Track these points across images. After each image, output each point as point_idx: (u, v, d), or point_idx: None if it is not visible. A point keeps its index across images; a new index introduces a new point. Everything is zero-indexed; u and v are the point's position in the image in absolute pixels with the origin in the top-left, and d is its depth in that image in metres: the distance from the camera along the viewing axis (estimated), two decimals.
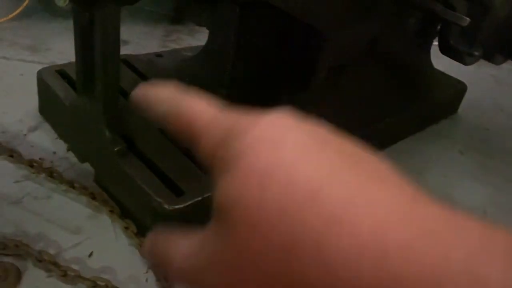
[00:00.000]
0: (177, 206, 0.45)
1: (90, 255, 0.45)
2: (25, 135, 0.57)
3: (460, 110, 0.81)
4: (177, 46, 0.83)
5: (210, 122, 0.20)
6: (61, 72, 0.59)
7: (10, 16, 0.76)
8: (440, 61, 0.72)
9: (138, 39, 0.82)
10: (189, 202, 0.45)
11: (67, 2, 0.79)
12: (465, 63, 0.65)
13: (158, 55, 0.69)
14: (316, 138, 0.18)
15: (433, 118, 0.77)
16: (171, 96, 0.23)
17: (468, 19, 0.42)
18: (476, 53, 0.56)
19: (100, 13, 0.41)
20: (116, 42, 0.44)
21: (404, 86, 0.73)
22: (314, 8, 0.44)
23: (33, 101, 0.61)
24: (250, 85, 0.61)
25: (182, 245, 0.21)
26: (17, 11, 0.76)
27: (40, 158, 0.54)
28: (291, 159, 0.17)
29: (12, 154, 0.53)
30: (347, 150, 0.18)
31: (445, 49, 0.63)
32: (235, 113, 0.20)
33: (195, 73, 0.64)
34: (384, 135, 0.69)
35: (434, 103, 0.76)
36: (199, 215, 0.49)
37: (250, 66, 0.61)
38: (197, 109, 0.21)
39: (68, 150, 0.56)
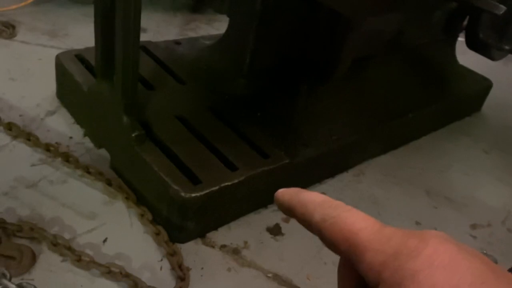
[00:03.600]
0: (194, 195, 0.44)
1: (105, 241, 0.44)
2: (42, 119, 0.57)
3: (484, 107, 0.79)
4: (195, 35, 0.82)
5: (375, 238, 0.21)
6: (79, 57, 0.58)
7: (30, 0, 0.75)
8: (466, 57, 0.70)
9: (157, 27, 0.81)
10: (206, 191, 0.45)
11: None
12: (492, 58, 0.63)
13: (177, 42, 0.68)
14: (488, 265, 0.20)
15: (457, 115, 0.75)
16: (326, 203, 0.24)
17: (504, 7, 0.40)
18: (506, 47, 0.54)
19: None
20: (136, 28, 0.43)
21: (428, 81, 0.71)
22: None
23: (51, 85, 0.61)
24: (269, 75, 0.60)
25: None
26: None
27: (56, 143, 0.53)
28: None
29: (30, 138, 0.53)
30: None
31: (473, 43, 0.61)
32: (398, 230, 0.21)
33: (213, 61, 0.63)
34: (406, 130, 0.67)
35: (458, 99, 0.74)
36: (215, 204, 0.48)
37: (270, 55, 0.59)
38: (357, 221, 0.22)
39: (84, 135, 0.56)
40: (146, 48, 0.63)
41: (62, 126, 0.56)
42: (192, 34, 0.82)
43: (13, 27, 0.72)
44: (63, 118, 0.58)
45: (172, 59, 0.62)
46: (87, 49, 0.60)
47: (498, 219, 0.58)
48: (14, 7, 0.75)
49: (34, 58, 0.67)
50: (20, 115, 0.57)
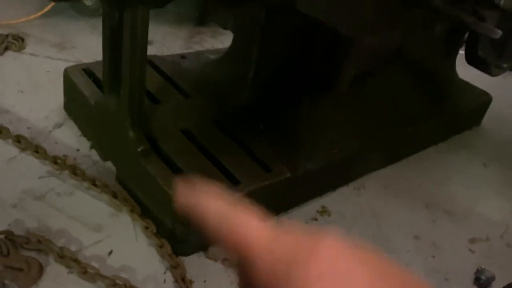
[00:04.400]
0: None
1: (110, 253, 0.45)
2: (50, 131, 0.58)
3: (484, 121, 0.80)
4: (200, 48, 0.83)
5: (268, 243, 0.21)
6: (87, 71, 0.60)
7: (39, 13, 0.77)
8: (466, 70, 0.71)
9: (162, 40, 0.83)
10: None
11: (94, 0, 0.80)
12: (491, 75, 0.64)
13: (182, 56, 0.69)
14: (379, 272, 0.20)
15: (457, 129, 0.76)
16: (222, 210, 0.23)
17: (500, 31, 0.41)
18: (505, 65, 0.55)
19: (129, 14, 0.42)
20: (143, 43, 0.45)
21: (428, 95, 0.72)
22: (341, 15, 0.44)
23: (59, 97, 0.62)
24: (272, 89, 0.61)
25: None
26: (46, 9, 0.78)
27: (63, 155, 0.55)
28: None
29: (38, 150, 0.54)
30: (405, 281, 0.21)
31: (472, 60, 0.62)
32: (292, 235, 0.22)
33: (218, 75, 0.65)
34: (406, 144, 0.68)
35: (458, 113, 0.75)
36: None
37: (273, 70, 0.61)
38: (252, 225, 0.22)
39: (91, 148, 0.57)
40: (152, 62, 0.64)
41: (69, 139, 0.58)
42: (197, 47, 0.84)
43: (22, 39, 0.74)
44: (71, 130, 0.59)
45: (177, 73, 0.64)
46: (94, 63, 0.61)
47: (496, 233, 0.59)
48: (23, 19, 0.77)
49: (42, 70, 0.69)
50: (28, 128, 0.58)
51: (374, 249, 0.22)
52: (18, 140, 0.55)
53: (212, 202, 0.24)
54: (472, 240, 0.57)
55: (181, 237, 0.47)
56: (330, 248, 0.21)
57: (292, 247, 0.21)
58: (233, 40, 0.63)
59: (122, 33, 0.44)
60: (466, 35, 0.65)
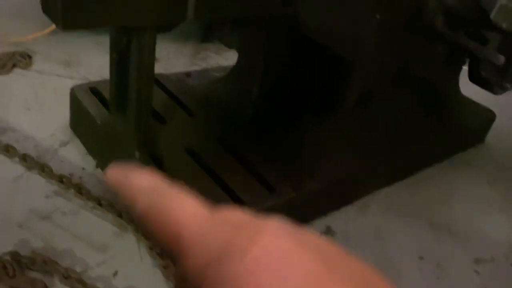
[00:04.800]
0: None
1: (115, 274, 0.46)
2: (56, 149, 0.59)
3: (488, 139, 0.80)
4: (205, 64, 0.84)
5: (201, 235, 0.19)
6: (93, 90, 0.60)
7: (46, 31, 0.78)
8: (469, 87, 0.72)
9: (167, 57, 0.83)
10: None
11: None
12: (494, 93, 0.64)
13: (188, 74, 0.70)
14: (324, 260, 0.18)
15: (460, 147, 0.76)
16: (155, 187, 0.21)
17: (503, 57, 0.41)
18: (508, 85, 0.56)
19: (136, 38, 0.42)
20: (150, 66, 0.45)
21: (431, 113, 0.73)
22: (344, 39, 0.45)
23: (65, 115, 0.63)
24: (276, 107, 0.62)
25: None
26: (53, 26, 0.79)
27: (69, 174, 0.55)
28: None
29: (44, 169, 0.54)
30: (356, 273, 0.18)
31: (475, 79, 0.62)
32: (229, 223, 0.19)
33: (222, 93, 0.65)
34: (410, 163, 0.68)
35: (462, 131, 0.75)
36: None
37: (277, 89, 0.61)
38: (185, 210, 0.19)
39: (97, 166, 0.57)
40: (158, 80, 0.65)
41: (75, 157, 0.58)
42: (202, 63, 0.84)
43: (30, 57, 0.74)
44: (76, 148, 0.60)
45: (182, 91, 0.64)
46: (101, 81, 0.62)
47: (501, 253, 0.59)
48: (30, 37, 0.78)
49: (49, 87, 0.70)
50: (35, 146, 0.59)
51: (325, 238, 0.20)
52: (24, 158, 0.56)
53: (144, 179, 0.21)
54: (477, 261, 0.57)
55: None
56: (271, 236, 0.18)
57: (227, 237, 0.18)
58: (238, 58, 0.64)
59: (129, 55, 0.45)
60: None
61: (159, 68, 0.74)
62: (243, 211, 0.20)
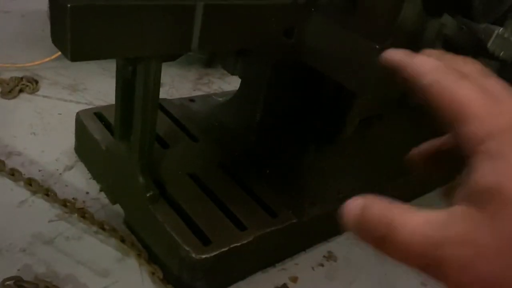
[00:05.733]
0: (204, 256, 0.45)
1: None
2: (60, 174, 0.60)
3: None
4: (208, 89, 0.85)
5: (485, 110, 0.20)
6: (98, 115, 0.61)
7: (53, 56, 0.80)
8: None
9: (171, 82, 0.85)
10: (216, 252, 0.46)
11: None
12: None
13: (191, 99, 0.71)
14: None
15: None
16: (439, 70, 0.23)
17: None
18: None
19: (142, 67, 0.43)
20: (155, 93, 0.46)
21: (432, 137, 0.73)
22: (346, 70, 0.46)
23: (70, 140, 0.64)
24: (278, 134, 0.62)
25: (410, 218, 0.20)
26: (60, 52, 0.80)
27: (73, 198, 0.56)
28: None
29: (48, 193, 0.55)
30: None
31: None
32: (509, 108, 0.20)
33: (225, 118, 0.66)
34: (411, 187, 0.68)
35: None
36: (225, 264, 0.49)
37: (279, 116, 0.62)
38: (468, 92, 0.21)
39: (100, 190, 0.58)
40: (161, 106, 0.66)
41: (79, 181, 0.59)
42: (205, 88, 0.86)
43: (36, 82, 0.76)
44: (81, 173, 0.60)
45: (186, 117, 0.65)
46: (106, 107, 0.63)
47: None
48: (38, 62, 0.79)
49: (54, 112, 0.71)
50: (40, 170, 0.59)
51: None
52: (29, 183, 0.56)
53: (427, 61, 0.24)
54: None
55: (187, 284, 0.47)
56: None
57: None
58: (240, 85, 0.65)
59: (134, 83, 0.46)
60: None
61: (163, 93, 0.76)
62: None
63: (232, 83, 0.88)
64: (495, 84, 0.23)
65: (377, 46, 0.41)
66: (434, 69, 0.23)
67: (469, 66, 0.24)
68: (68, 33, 0.32)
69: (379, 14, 0.44)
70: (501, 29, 0.47)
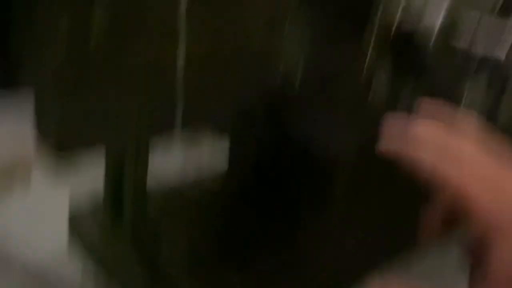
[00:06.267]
0: None
1: None
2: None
3: None
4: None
5: (489, 197, 0.20)
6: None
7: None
8: None
9: None
10: None
11: None
12: None
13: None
14: None
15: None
16: (437, 140, 0.22)
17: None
18: None
19: (131, 156, 0.45)
20: (144, 181, 0.47)
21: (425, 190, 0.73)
22: (327, 140, 0.47)
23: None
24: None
25: None
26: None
27: None
28: None
29: None
30: None
31: None
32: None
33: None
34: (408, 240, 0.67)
35: None
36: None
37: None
38: (469, 180, 0.20)
39: None
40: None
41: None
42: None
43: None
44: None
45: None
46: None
47: None
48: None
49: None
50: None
51: None
52: None
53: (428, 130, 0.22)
54: None
55: None
56: None
57: None
58: (227, 169, 0.66)
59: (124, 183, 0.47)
60: None
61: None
62: None
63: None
64: (495, 144, 0.22)
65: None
66: (431, 153, 0.22)
67: (468, 126, 0.23)
68: (53, 124, 0.33)
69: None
70: None
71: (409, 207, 0.72)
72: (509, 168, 0.21)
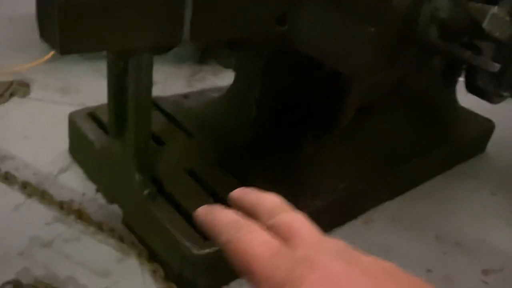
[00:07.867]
0: (205, 251, 0.44)
1: None
2: (55, 176, 0.59)
3: (488, 148, 0.80)
4: (202, 86, 0.84)
5: (267, 266, 0.23)
6: (92, 115, 0.60)
7: (43, 59, 0.79)
8: (467, 98, 0.72)
9: (164, 80, 0.84)
10: (217, 247, 0.45)
11: None
12: (492, 103, 0.64)
13: (185, 96, 0.70)
14: (378, 284, 0.22)
15: (461, 157, 0.76)
16: (233, 223, 0.25)
17: (497, 65, 0.41)
18: (505, 94, 0.56)
19: (134, 62, 0.43)
20: (148, 88, 0.45)
21: (430, 126, 0.73)
22: (339, 55, 0.45)
23: (64, 141, 0.63)
24: (274, 127, 0.62)
25: None
26: (49, 54, 0.79)
27: (69, 200, 0.55)
28: None
29: (44, 196, 0.54)
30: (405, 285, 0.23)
31: (472, 89, 0.63)
32: (290, 257, 0.23)
33: (220, 113, 0.65)
34: (412, 175, 0.68)
35: (462, 142, 0.75)
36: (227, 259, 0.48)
37: (275, 109, 0.61)
38: (255, 246, 0.24)
39: (97, 191, 0.57)
40: (155, 103, 0.65)
41: (75, 183, 0.58)
42: (199, 85, 0.85)
43: (27, 85, 0.75)
44: (76, 174, 0.59)
45: (181, 113, 0.65)
46: (99, 107, 0.62)
47: (510, 263, 0.58)
48: (28, 66, 0.78)
49: (47, 115, 0.70)
50: (34, 173, 0.58)
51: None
52: (24, 186, 0.55)
53: (225, 215, 0.26)
54: (485, 272, 0.56)
55: (189, 281, 0.46)
56: (328, 261, 0.22)
57: (291, 265, 0.22)
58: (234, 79, 0.64)
59: (126, 79, 0.45)
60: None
61: (157, 91, 0.74)
62: (309, 231, 0.26)
63: (226, 79, 0.86)
64: (292, 219, 0.27)
65: (372, 29, 0.41)
66: (228, 225, 0.25)
67: (269, 202, 0.28)
68: (56, 26, 0.31)
69: None
70: (496, 8, 0.46)
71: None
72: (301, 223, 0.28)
